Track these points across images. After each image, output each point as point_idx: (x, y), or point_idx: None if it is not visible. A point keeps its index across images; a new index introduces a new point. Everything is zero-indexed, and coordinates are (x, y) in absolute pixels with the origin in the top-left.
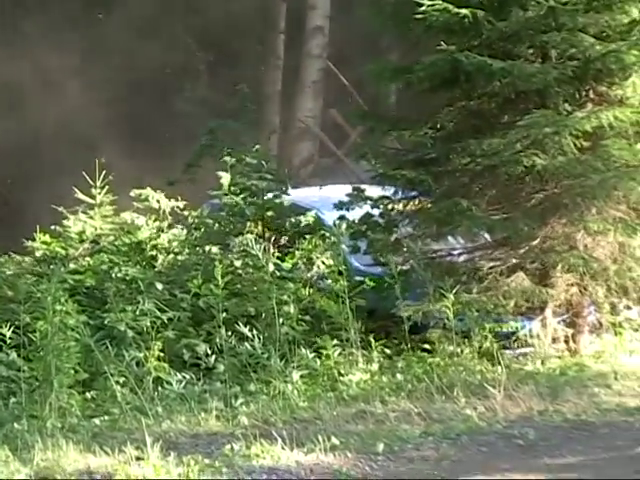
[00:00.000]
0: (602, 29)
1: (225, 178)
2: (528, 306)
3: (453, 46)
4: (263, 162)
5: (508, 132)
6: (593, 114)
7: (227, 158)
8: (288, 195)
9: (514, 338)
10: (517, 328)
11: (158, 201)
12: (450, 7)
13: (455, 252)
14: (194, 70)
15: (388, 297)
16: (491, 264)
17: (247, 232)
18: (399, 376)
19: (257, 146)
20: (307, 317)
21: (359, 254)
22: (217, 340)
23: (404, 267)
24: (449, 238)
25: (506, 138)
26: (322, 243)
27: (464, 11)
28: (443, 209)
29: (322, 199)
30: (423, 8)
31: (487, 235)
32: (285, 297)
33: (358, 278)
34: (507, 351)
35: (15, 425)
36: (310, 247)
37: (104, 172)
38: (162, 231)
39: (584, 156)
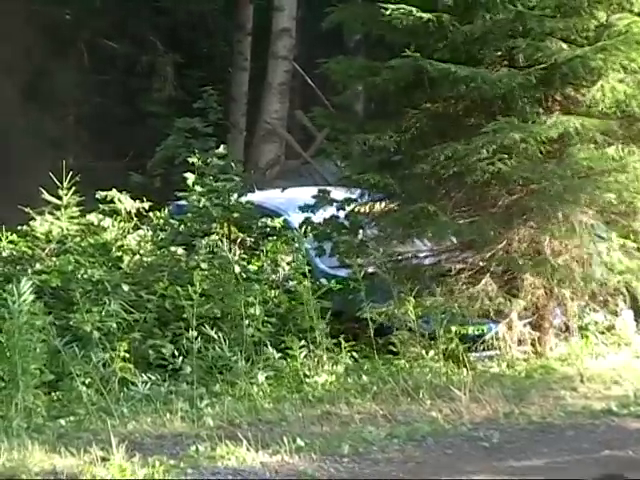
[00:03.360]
0: (570, 34)
1: (191, 179)
2: (494, 309)
3: (418, 49)
4: (230, 163)
5: (473, 136)
6: (560, 123)
7: (193, 159)
8: (254, 196)
9: (480, 341)
10: (483, 331)
11: (121, 202)
12: (414, 11)
13: (421, 255)
14: (162, 70)
15: (354, 299)
16: (457, 267)
17: (213, 233)
18: (364, 378)
19: (222, 147)
20: (273, 319)
21: (325, 256)
22: (184, 341)
23: (370, 270)
24: (415, 240)
25: (471, 144)
26: (287, 245)
27: (428, 15)
28: (409, 213)
29: (288, 201)
30: (388, 12)
31: (453, 237)
32: (251, 299)
33: (324, 280)
34: (473, 354)
35: None
36: (276, 249)
37: (71, 173)
38: (128, 232)
39: (550, 162)
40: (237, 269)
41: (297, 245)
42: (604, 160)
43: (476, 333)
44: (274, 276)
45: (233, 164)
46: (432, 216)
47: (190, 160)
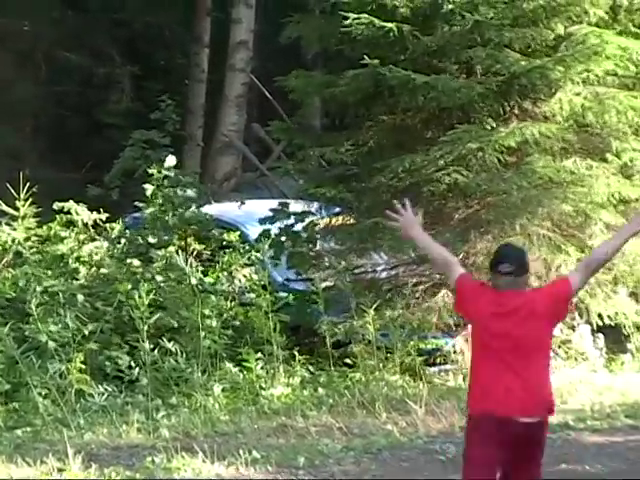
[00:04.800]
0: (528, 45)
1: (149, 190)
2: (451, 322)
3: (377, 60)
4: (186, 175)
5: (431, 148)
6: (518, 129)
7: (152, 171)
8: (211, 209)
9: (437, 355)
10: (440, 345)
11: (78, 213)
12: (375, 21)
13: (378, 268)
14: (119, 82)
15: (311, 312)
16: (414, 280)
17: (170, 245)
18: (321, 390)
19: (172, 158)
20: (229, 331)
21: (282, 269)
22: (141, 353)
23: (327, 283)
24: (373, 254)
25: (429, 154)
26: (244, 257)
27: (389, 25)
28: (365, 227)
29: (246, 214)
30: (348, 21)
31: (411, 250)
32: (207, 311)
33: (282, 293)
34: (430, 368)
35: None
36: (232, 261)
37: (28, 183)
38: (84, 243)
39: (508, 173)
40: (193, 281)
41: (255, 258)
42: (562, 172)
43: (433, 347)
44: (230, 288)
45: (190, 176)
46: (387, 230)
47: (148, 171)
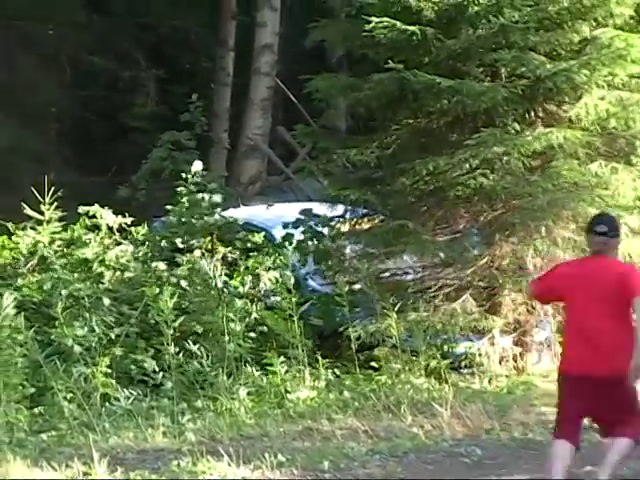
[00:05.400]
0: (553, 48)
1: (180, 192)
2: (475, 325)
3: (402, 64)
4: (212, 181)
5: (456, 151)
6: (543, 135)
7: (182, 172)
8: (240, 212)
9: (463, 357)
10: (466, 348)
11: (102, 217)
12: (398, 24)
13: (403, 271)
14: (144, 86)
15: (336, 315)
16: (440, 283)
17: (196, 249)
18: (346, 393)
19: (200, 164)
20: (254, 334)
21: (311, 272)
22: (166, 357)
23: (354, 286)
24: (400, 257)
25: (454, 158)
26: (271, 260)
27: (412, 28)
28: (390, 230)
29: (275, 217)
30: (371, 25)
31: (437, 254)
32: (232, 314)
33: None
34: (461, 370)
35: None
36: (258, 264)
37: (53, 188)
38: (109, 248)
39: (533, 176)
40: (219, 284)
41: (279, 261)
42: (587, 176)
43: (466, 349)
44: (255, 291)
45: (216, 180)
46: (412, 233)
47: (175, 175)
